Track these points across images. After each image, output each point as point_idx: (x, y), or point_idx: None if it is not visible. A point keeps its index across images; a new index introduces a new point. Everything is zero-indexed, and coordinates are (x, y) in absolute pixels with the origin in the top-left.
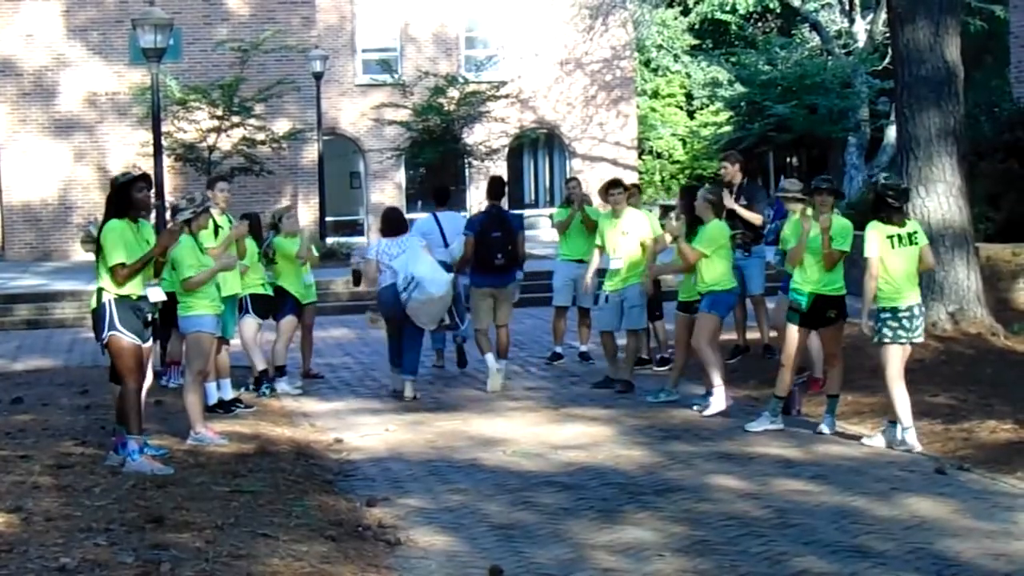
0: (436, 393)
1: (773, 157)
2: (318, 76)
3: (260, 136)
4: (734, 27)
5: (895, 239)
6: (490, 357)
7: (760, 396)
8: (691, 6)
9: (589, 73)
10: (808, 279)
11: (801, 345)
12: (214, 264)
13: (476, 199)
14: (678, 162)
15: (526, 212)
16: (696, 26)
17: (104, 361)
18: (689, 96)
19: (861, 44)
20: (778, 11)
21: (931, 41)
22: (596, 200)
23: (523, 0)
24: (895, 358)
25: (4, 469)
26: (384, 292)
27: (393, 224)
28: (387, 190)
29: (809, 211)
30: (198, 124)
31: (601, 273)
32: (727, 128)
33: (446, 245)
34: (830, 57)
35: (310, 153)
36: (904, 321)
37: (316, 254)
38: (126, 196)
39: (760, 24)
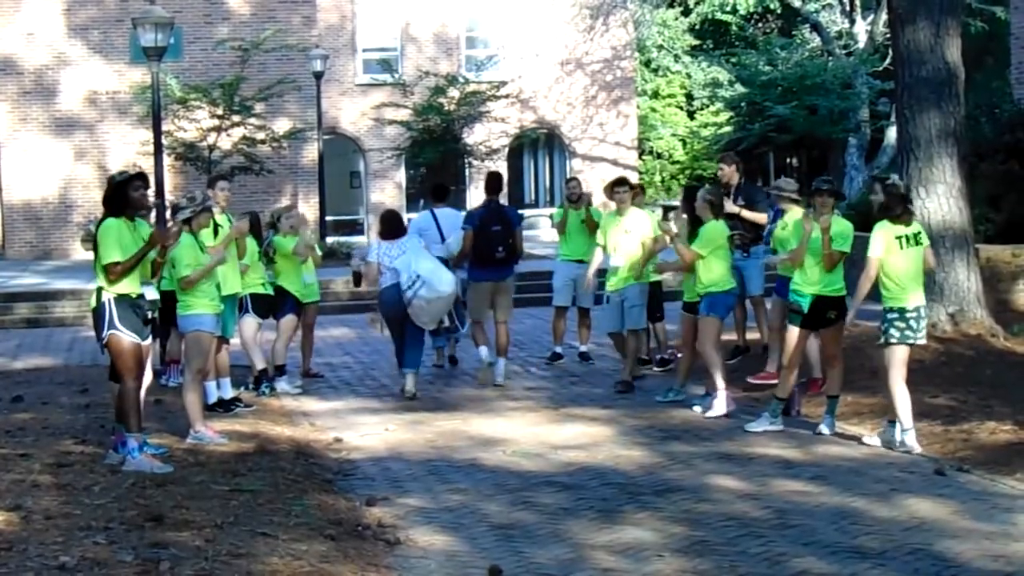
0: (436, 393)
1: (773, 158)
2: (318, 75)
3: (260, 135)
4: (735, 27)
5: (903, 239)
6: (483, 350)
7: (760, 397)
8: (692, 6)
9: (589, 73)
10: (809, 280)
11: (802, 346)
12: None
13: (476, 199)
14: (678, 162)
15: (526, 212)
16: (697, 26)
17: (104, 360)
18: (689, 96)
19: (862, 45)
20: (779, 12)
21: (932, 42)
22: (596, 200)
23: (524, 0)
24: (900, 359)
25: (4, 467)
26: (385, 292)
27: (392, 226)
28: (387, 190)
29: (808, 212)
30: (198, 123)
31: (603, 273)
32: (727, 129)
33: (443, 242)
34: (831, 58)
35: (310, 152)
36: (911, 322)
37: (319, 253)
38: (122, 195)
39: (761, 25)
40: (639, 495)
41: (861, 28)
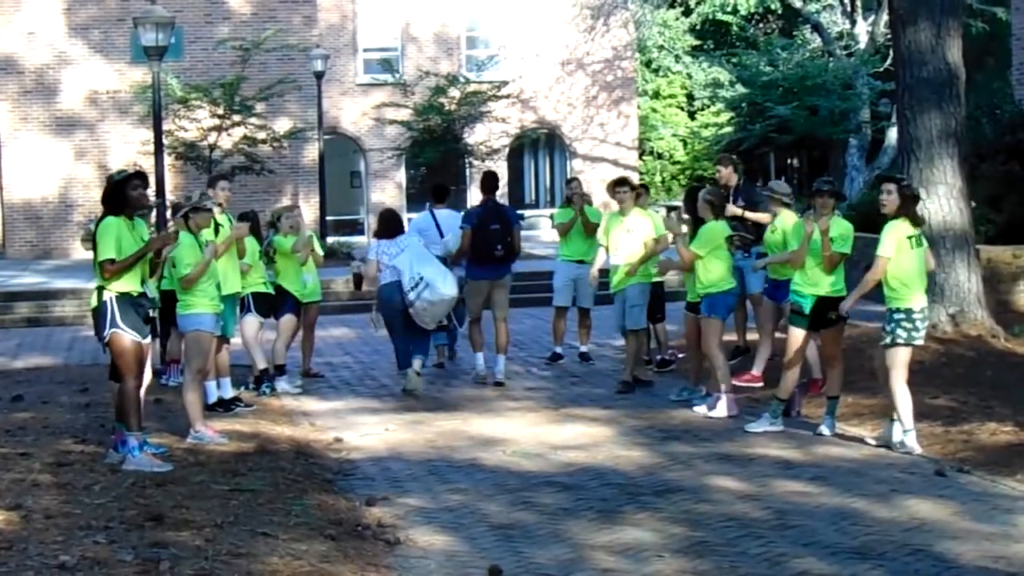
0: (436, 393)
1: (774, 158)
2: (319, 75)
3: (261, 135)
4: (735, 28)
5: (913, 239)
6: (479, 357)
7: (760, 397)
8: (692, 7)
9: (590, 73)
10: (809, 281)
11: (803, 348)
12: (215, 261)
13: (477, 199)
14: (679, 163)
15: (527, 212)
16: (697, 27)
17: (104, 359)
18: (690, 97)
19: (862, 45)
20: (779, 12)
21: (933, 43)
22: (596, 201)
23: (524, 0)
24: (904, 360)
25: (4, 467)
26: (384, 290)
27: (389, 224)
28: (388, 190)
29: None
30: (199, 123)
31: (606, 272)
32: (728, 129)
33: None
34: (831, 58)
35: (311, 152)
36: (917, 323)
37: (320, 253)
38: (121, 194)
39: (761, 25)
40: (639, 495)
41: (862, 29)
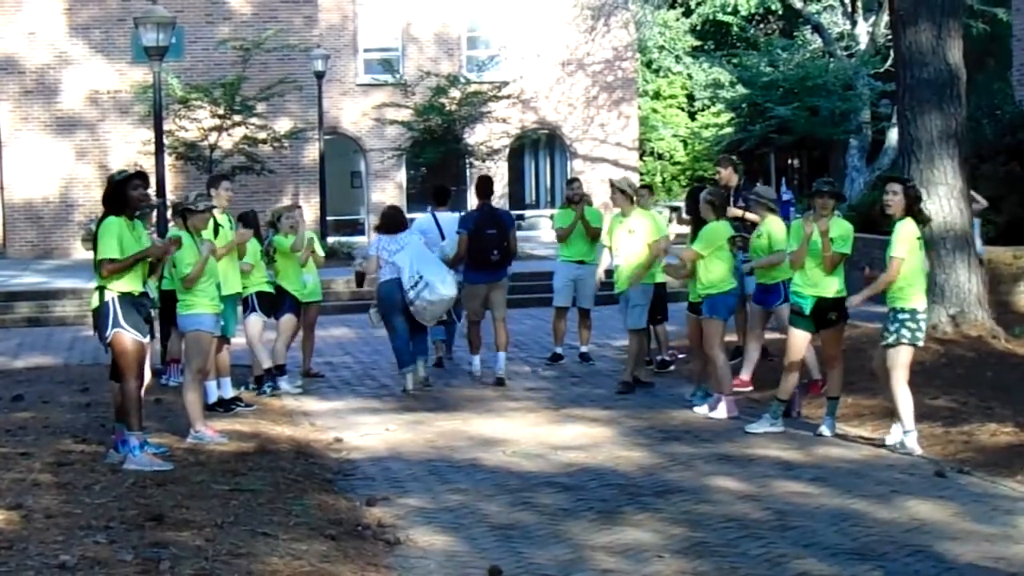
0: (436, 393)
1: (774, 159)
2: (320, 75)
3: (261, 135)
4: (736, 28)
5: (920, 240)
6: (476, 359)
7: (761, 398)
8: (693, 7)
9: (591, 74)
10: (809, 282)
11: (804, 349)
12: (214, 261)
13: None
14: (679, 163)
15: (527, 212)
16: (698, 27)
17: (104, 359)
18: (690, 97)
19: (863, 46)
20: (780, 13)
21: (933, 44)
22: (597, 201)
23: (525, 1)
24: (906, 360)
25: (4, 466)
26: (384, 286)
27: (391, 221)
28: (388, 190)
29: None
30: (200, 123)
31: (610, 274)
32: (728, 130)
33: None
34: (832, 59)
35: (311, 152)
36: (920, 323)
37: (321, 254)
38: (122, 194)
39: (762, 26)
40: (639, 496)
41: (863, 29)
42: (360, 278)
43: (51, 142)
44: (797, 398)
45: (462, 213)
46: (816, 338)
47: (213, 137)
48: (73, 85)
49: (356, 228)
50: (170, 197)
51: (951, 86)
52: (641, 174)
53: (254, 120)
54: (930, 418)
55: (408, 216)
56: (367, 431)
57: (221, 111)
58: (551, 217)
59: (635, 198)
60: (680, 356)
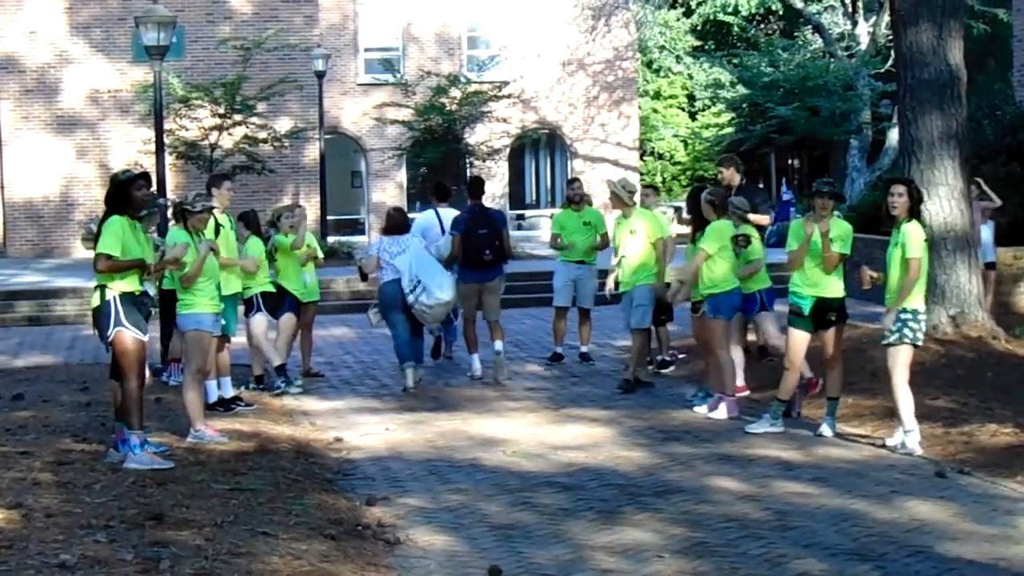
0: (436, 393)
1: (775, 159)
2: (320, 75)
3: (262, 135)
4: (736, 29)
5: (926, 242)
6: (475, 358)
7: (760, 398)
8: (693, 7)
9: (591, 74)
10: (809, 282)
11: (804, 349)
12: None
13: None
14: (679, 163)
15: (527, 212)
16: (698, 27)
17: (105, 358)
18: (691, 97)
19: (864, 46)
20: (781, 13)
21: (934, 44)
22: (596, 202)
23: (526, 1)
24: (907, 360)
25: (5, 465)
26: (385, 288)
27: (396, 223)
28: (388, 190)
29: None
30: (200, 122)
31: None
32: (729, 130)
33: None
34: (832, 59)
35: (312, 152)
36: (922, 323)
37: (320, 255)
38: (125, 194)
39: (762, 26)
40: (639, 496)
41: (863, 30)
42: (363, 272)
43: (52, 141)
44: (797, 398)
45: (455, 215)
46: (816, 338)
47: (214, 136)
48: (74, 84)
49: (356, 228)
50: (170, 197)
51: (952, 87)
52: (641, 174)
53: (254, 120)
54: (930, 418)
55: (410, 216)
56: (367, 431)
57: (222, 110)
58: (551, 217)
59: (628, 199)
60: (680, 356)
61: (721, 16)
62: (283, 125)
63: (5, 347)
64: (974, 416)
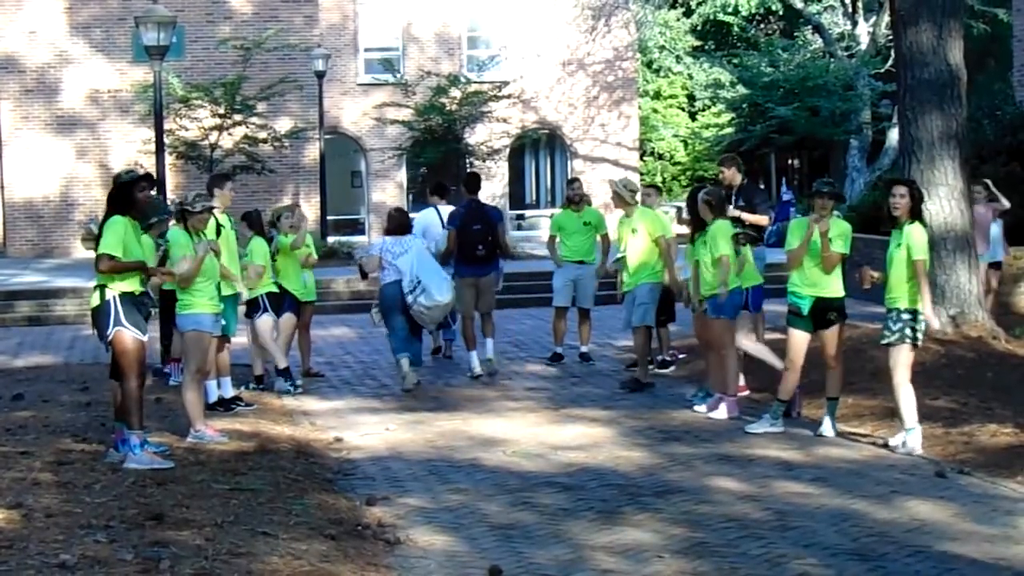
0: (436, 393)
1: (775, 159)
2: (320, 75)
3: (262, 134)
4: (736, 29)
5: (929, 243)
6: (474, 356)
7: (760, 398)
8: (693, 8)
9: (591, 74)
10: (808, 282)
11: (804, 349)
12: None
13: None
14: (679, 163)
15: (527, 212)
16: (698, 27)
17: (105, 358)
18: (691, 97)
19: (864, 46)
20: (780, 13)
21: (934, 44)
22: (596, 201)
23: (526, 1)
24: (909, 359)
25: (5, 465)
26: (387, 288)
27: (398, 223)
28: (388, 189)
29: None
30: (200, 122)
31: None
32: (729, 130)
33: None
34: (832, 59)
35: (312, 152)
36: (922, 323)
37: (315, 256)
38: (128, 195)
39: (762, 26)
40: (639, 496)
41: (863, 30)
42: (363, 271)
43: (52, 141)
44: (797, 398)
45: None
46: (816, 338)
47: (213, 136)
48: (74, 84)
49: (356, 228)
50: (170, 197)
51: (952, 87)
52: (641, 174)
53: (254, 120)
54: (930, 419)
55: (410, 216)
56: (367, 431)
57: (222, 110)
58: (551, 217)
59: (630, 198)
60: (680, 356)
61: (721, 16)
62: (283, 125)
63: (5, 347)
64: (974, 416)
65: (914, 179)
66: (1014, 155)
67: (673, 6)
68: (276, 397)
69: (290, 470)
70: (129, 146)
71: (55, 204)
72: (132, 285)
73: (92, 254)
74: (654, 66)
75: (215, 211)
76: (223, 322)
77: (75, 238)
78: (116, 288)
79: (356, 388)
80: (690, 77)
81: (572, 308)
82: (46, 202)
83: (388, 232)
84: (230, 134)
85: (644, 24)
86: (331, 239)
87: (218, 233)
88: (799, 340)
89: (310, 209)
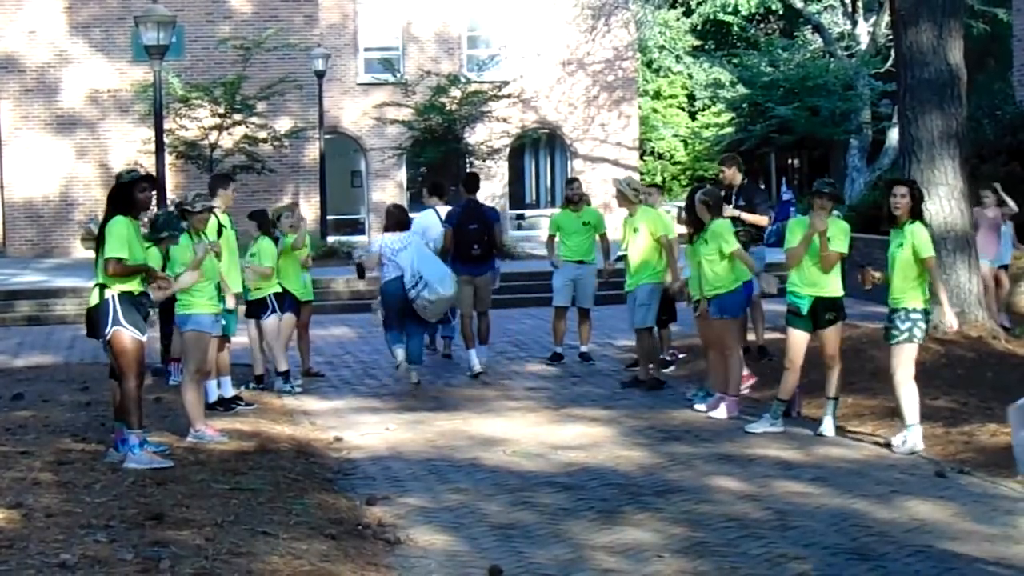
0: (436, 393)
1: (775, 159)
2: (320, 75)
3: (262, 134)
4: (736, 28)
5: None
6: (472, 353)
7: (760, 397)
8: (693, 7)
9: (591, 73)
10: (807, 281)
11: (803, 348)
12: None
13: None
14: (679, 163)
15: (527, 212)
16: (698, 27)
17: (105, 358)
18: (691, 97)
19: (863, 46)
20: (780, 13)
21: (934, 44)
22: (596, 201)
23: (526, 0)
24: (913, 357)
25: (5, 465)
26: (388, 285)
27: (396, 220)
28: (388, 189)
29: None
30: (200, 122)
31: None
32: (729, 129)
33: None
34: (832, 59)
35: (312, 152)
36: (928, 322)
37: (309, 253)
38: (128, 195)
39: (762, 25)
40: (639, 496)
41: (863, 29)
42: (360, 270)
43: (51, 141)
44: (797, 398)
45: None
46: (815, 338)
47: (213, 136)
48: (73, 84)
49: (356, 227)
50: (170, 197)
51: (952, 86)
52: (641, 174)
53: (254, 119)
54: (931, 418)
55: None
56: (367, 430)
57: (221, 110)
58: (551, 216)
59: (634, 197)
60: (680, 356)
61: (721, 16)
62: (283, 125)
63: (5, 347)
64: (974, 416)
65: (914, 179)
66: (1014, 155)
67: (673, 6)
68: (276, 397)
69: (290, 470)
70: (129, 146)
71: (55, 204)
72: (132, 285)
73: (92, 254)
74: (654, 66)
75: (216, 211)
76: (223, 322)
77: (75, 238)
78: (116, 288)
79: (356, 388)
80: (690, 77)
81: (572, 308)
82: (46, 202)
83: (387, 229)
84: (230, 134)
85: (644, 24)
86: (331, 239)
87: (219, 233)
88: (798, 339)
89: (310, 209)
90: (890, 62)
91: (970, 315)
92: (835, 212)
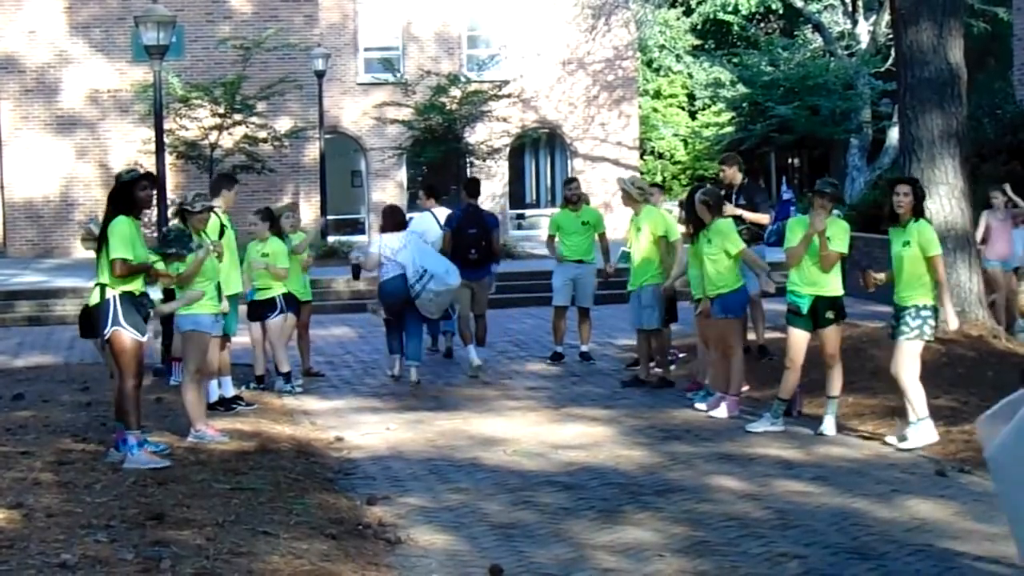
0: (436, 392)
1: (775, 158)
2: (320, 74)
3: (262, 134)
4: (736, 28)
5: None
6: (471, 348)
7: (760, 397)
8: (693, 6)
9: (591, 73)
10: (807, 281)
11: (803, 347)
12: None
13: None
14: (680, 163)
15: (527, 212)
16: (698, 26)
17: (100, 357)
18: (691, 97)
19: (864, 45)
20: (781, 12)
21: (934, 43)
22: (596, 201)
23: (525, 0)
24: (918, 353)
25: (5, 465)
26: (388, 284)
27: (393, 219)
28: (388, 189)
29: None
30: (200, 122)
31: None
32: (729, 129)
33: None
34: (832, 58)
35: (312, 151)
36: (937, 321)
37: (310, 255)
38: (129, 194)
39: (763, 25)
40: (640, 495)
41: (863, 29)
42: (356, 270)
43: (51, 141)
44: (797, 397)
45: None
46: (815, 337)
47: (213, 136)
48: (73, 84)
49: (356, 227)
50: (170, 196)
51: (952, 85)
52: (642, 173)
53: (254, 119)
54: (931, 417)
55: (409, 215)
56: (368, 430)
57: (221, 110)
58: (551, 216)
59: (638, 196)
60: (681, 356)
61: (721, 15)
62: (283, 125)
63: (5, 347)
64: (975, 415)
65: (917, 178)
66: (1014, 154)
67: (673, 5)
68: (276, 397)
69: (291, 470)
70: (129, 146)
71: (55, 204)
72: (133, 285)
73: (92, 254)
74: (654, 65)
75: (217, 211)
76: (222, 322)
77: (75, 238)
78: (117, 288)
79: (356, 387)
80: (690, 76)
81: (572, 307)
82: (46, 202)
83: (384, 229)
84: (230, 134)
85: (644, 23)
86: (331, 239)
87: (221, 234)
88: (798, 339)
89: (310, 209)
90: (890, 61)
91: (970, 314)
92: (835, 212)
